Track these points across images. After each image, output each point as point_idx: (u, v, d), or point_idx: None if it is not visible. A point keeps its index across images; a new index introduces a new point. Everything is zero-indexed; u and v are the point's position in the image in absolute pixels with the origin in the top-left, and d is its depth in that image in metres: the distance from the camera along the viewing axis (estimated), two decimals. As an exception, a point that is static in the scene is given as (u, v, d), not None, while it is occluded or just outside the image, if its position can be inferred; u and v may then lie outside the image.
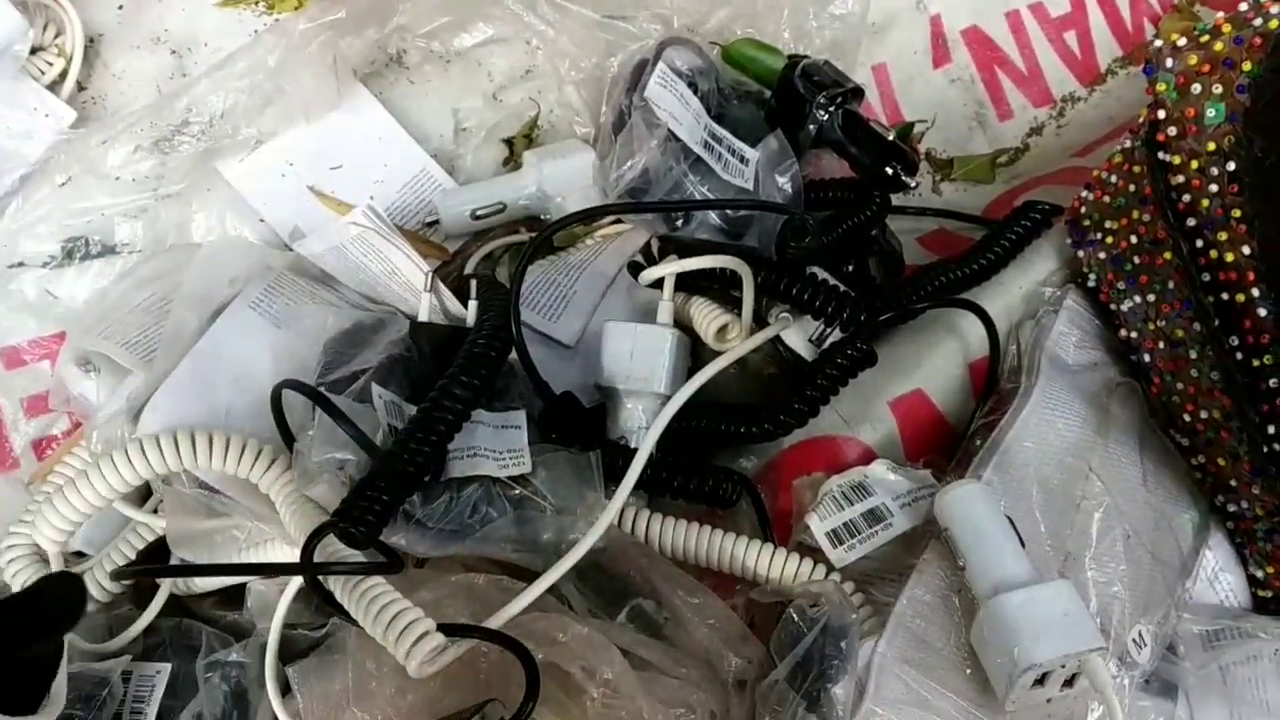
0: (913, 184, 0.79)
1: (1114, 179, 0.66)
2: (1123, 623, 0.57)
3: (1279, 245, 0.56)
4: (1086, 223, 0.69)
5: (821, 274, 0.69)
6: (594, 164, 0.77)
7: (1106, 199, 0.67)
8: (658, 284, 0.68)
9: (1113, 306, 0.68)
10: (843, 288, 0.67)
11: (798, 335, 0.68)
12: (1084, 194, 0.69)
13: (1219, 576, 0.65)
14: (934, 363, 0.70)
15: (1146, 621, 0.58)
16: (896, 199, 0.77)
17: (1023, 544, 0.56)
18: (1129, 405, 0.66)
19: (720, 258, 0.67)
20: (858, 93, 0.79)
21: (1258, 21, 0.57)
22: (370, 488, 0.52)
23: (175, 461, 0.57)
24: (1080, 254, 0.70)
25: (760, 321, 0.68)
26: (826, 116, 0.76)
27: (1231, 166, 0.57)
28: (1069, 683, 0.53)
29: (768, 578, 0.60)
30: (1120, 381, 0.67)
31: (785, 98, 0.79)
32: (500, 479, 0.58)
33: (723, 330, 0.68)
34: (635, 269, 0.70)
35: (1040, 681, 0.52)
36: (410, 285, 0.67)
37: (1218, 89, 0.57)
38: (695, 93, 0.77)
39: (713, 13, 0.84)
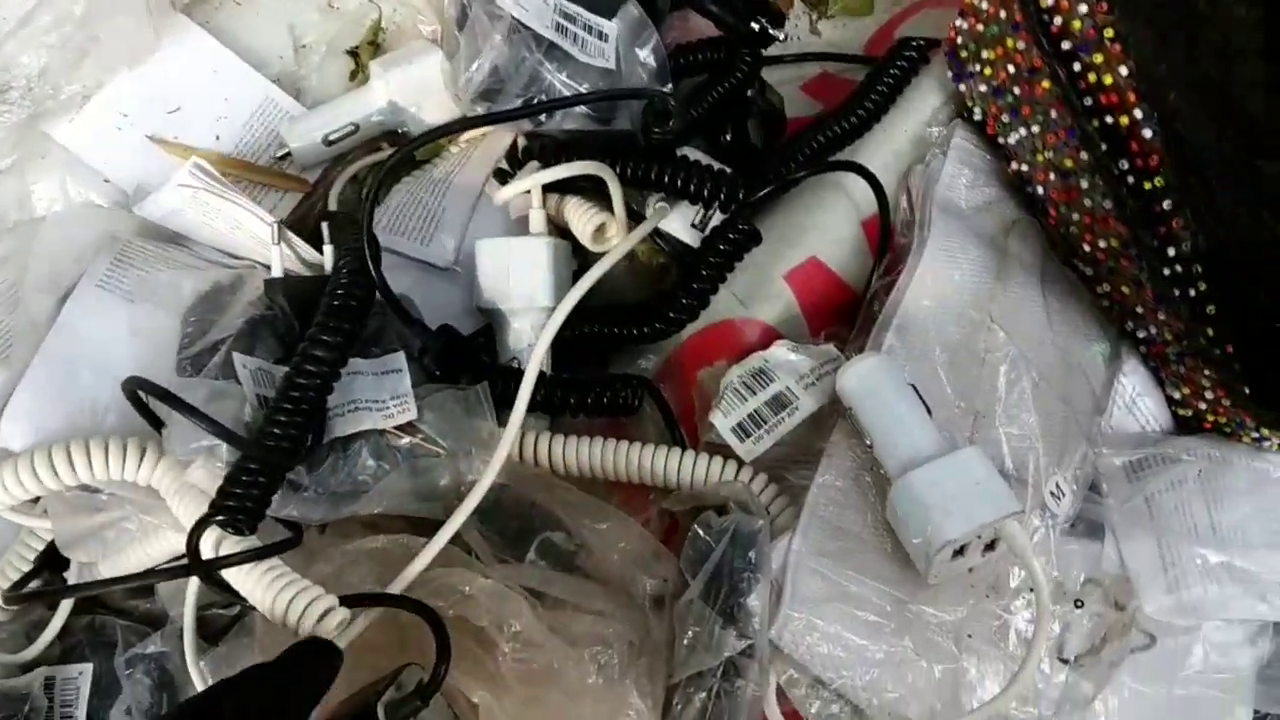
0: (781, 36, 0.75)
1: (985, 5, 0.62)
2: (1039, 475, 0.56)
3: (1156, 62, 0.53)
4: (964, 54, 0.65)
5: (693, 155, 0.65)
6: (445, 65, 0.72)
7: (980, 27, 0.63)
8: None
9: (1000, 140, 0.64)
10: (716, 166, 0.63)
11: (679, 222, 0.65)
12: (958, 22, 0.65)
13: (1137, 402, 0.63)
14: (825, 227, 0.67)
15: (1064, 470, 0.57)
16: (772, 49, 0.73)
17: (929, 412, 0.55)
18: (1028, 242, 0.64)
19: (580, 164, 0.63)
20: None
21: None
22: (244, 473, 0.50)
23: (48, 481, 0.54)
24: (962, 87, 0.66)
25: (637, 216, 0.65)
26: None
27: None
28: (990, 547, 0.52)
29: (679, 483, 0.58)
30: (1017, 218, 0.64)
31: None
32: (387, 430, 0.56)
33: (600, 230, 0.64)
34: (502, 177, 0.67)
35: (960, 552, 0.51)
36: (259, 239, 0.63)
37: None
38: (540, -30, 0.72)
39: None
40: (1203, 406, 0.61)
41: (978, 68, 0.64)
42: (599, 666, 0.49)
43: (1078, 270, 0.64)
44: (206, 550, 0.50)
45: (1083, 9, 0.54)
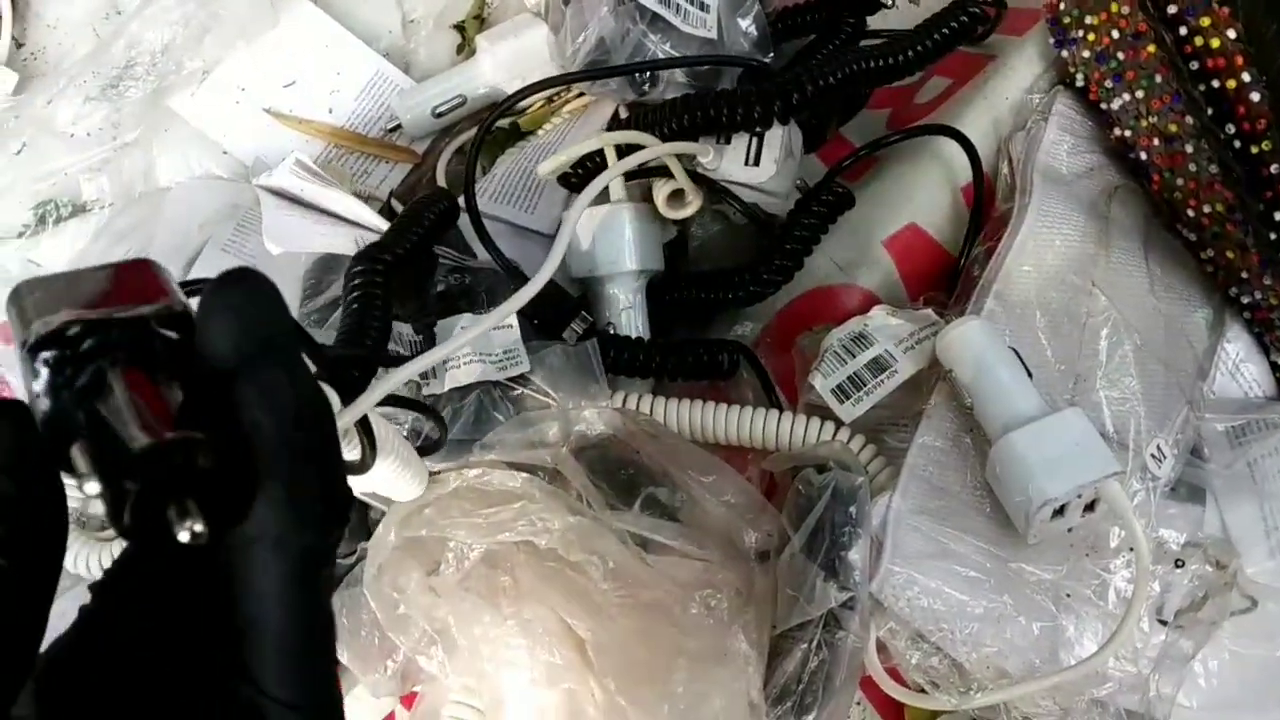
0: (890, 2, 0.75)
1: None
2: (1140, 438, 0.56)
3: (1264, 25, 0.53)
4: (1066, 20, 0.65)
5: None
6: (548, 38, 0.74)
7: (1088, -8, 0.63)
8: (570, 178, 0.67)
9: (1103, 106, 0.64)
10: (742, 89, 0.64)
11: (732, 164, 0.65)
12: (1062, -12, 0.65)
13: (1240, 368, 0.63)
14: (923, 193, 0.67)
15: (1165, 433, 0.57)
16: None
17: (1029, 375, 0.55)
18: (1130, 209, 0.64)
19: (612, 135, 0.64)
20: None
21: None
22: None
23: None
24: (1064, 54, 0.66)
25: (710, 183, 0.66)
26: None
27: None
28: (1090, 508, 0.52)
29: (778, 444, 0.60)
30: (1119, 184, 0.64)
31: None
32: (500, 382, 0.58)
33: (675, 196, 0.65)
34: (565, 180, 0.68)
35: (1060, 512, 0.52)
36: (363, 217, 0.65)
37: None
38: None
39: None
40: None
41: (1080, 33, 0.64)
42: (708, 609, 0.51)
43: (1181, 236, 0.63)
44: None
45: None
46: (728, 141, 0.65)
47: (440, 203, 0.64)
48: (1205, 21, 0.55)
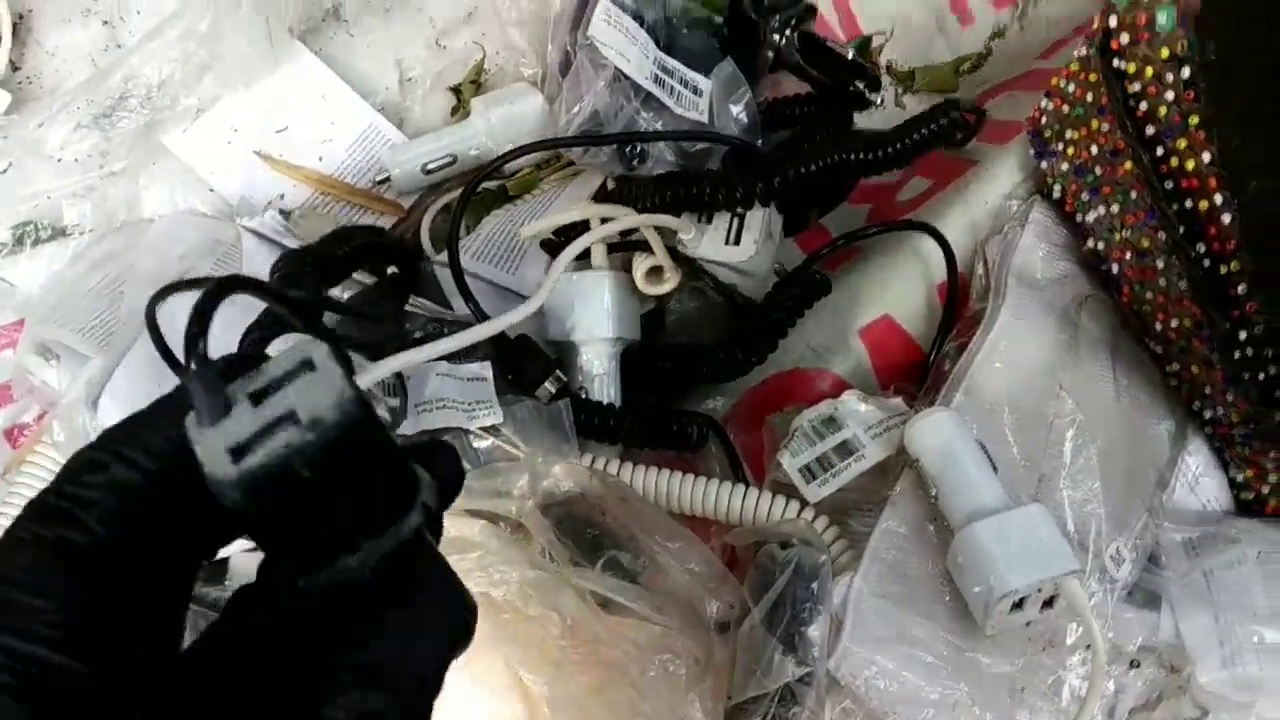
0: (878, 101, 0.78)
1: (1072, 87, 0.64)
2: (1100, 540, 0.56)
3: (1239, 150, 0.55)
4: (1047, 133, 0.67)
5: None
6: (543, 107, 0.75)
7: (1065, 108, 0.65)
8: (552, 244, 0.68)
9: (1079, 218, 0.66)
10: (721, 169, 0.66)
11: (713, 244, 0.66)
12: (1043, 103, 0.67)
13: (1199, 481, 0.64)
14: (900, 287, 0.69)
15: (1125, 537, 0.58)
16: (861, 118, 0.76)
17: (995, 468, 0.56)
18: (1100, 318, 0.65)
19: (595, 206, 0.65)
20: (811, 10, 0.78)
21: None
22: None
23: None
24: (1043, 165, 0.68)
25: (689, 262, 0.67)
26: (783, 40, 0.75)
27: (1186, 73, 0.55)
28: (1048, 604, 0.53)
29: (742, 519, 0.60)
30: (1090, 294, 0.66)
31: (737, 23, 0.78)
32: (471, 430, 0.58)
33: (653, 273, 0.66)
34: (550, 247, 0.69)
35: (1019, 605, 0.52)
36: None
37: (1167, -17, 0.55)
38: (642, 25, 0.75)
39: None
40: (1265, 490, 0.62)
41: (1060, 147, 0.66)
42: (666, 674, 0.50)
43: (1148, 349, 0.65)
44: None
45: (1169, 96, 0.56)
46: (709, 221, 0.66)
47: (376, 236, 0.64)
48: (1182, 144, 0.57)
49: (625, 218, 0.63)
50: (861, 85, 0.77)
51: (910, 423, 0.58)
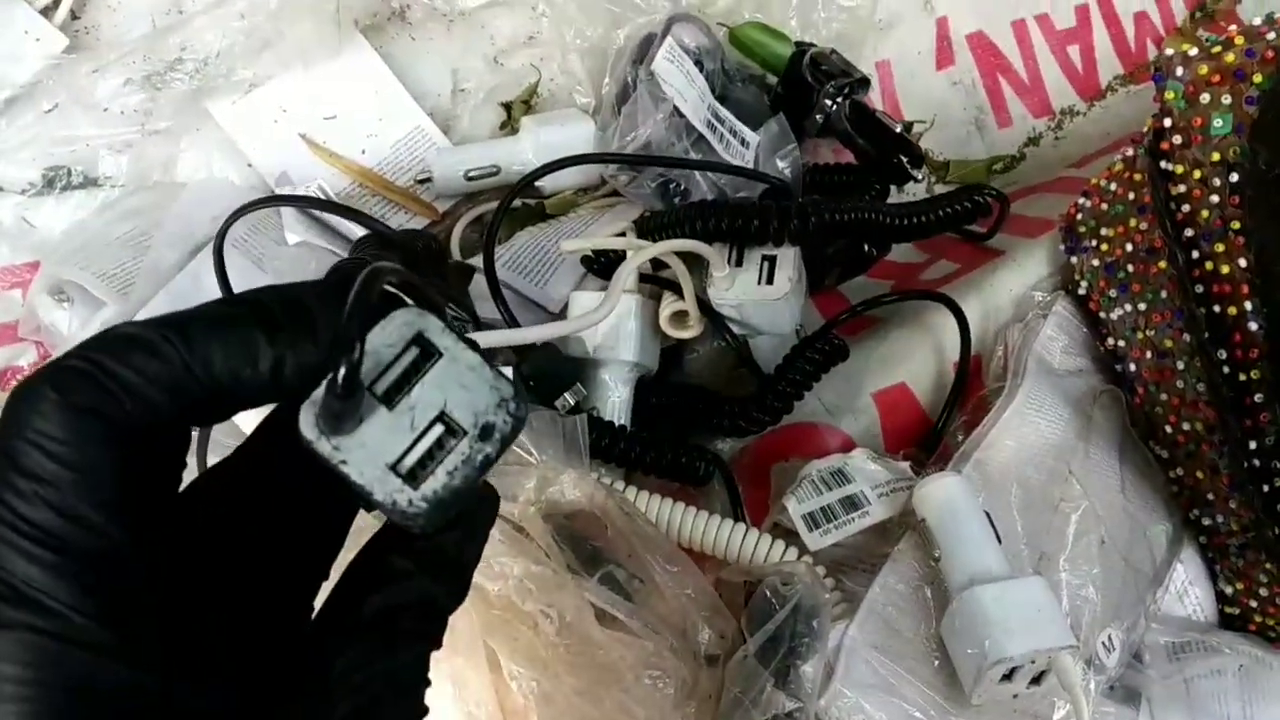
0: (918, 176, 0.79)
1: (1114, 186, 0.66)
2: (1093, 625, 0.57)
3: (1275, 260, 0.56)
4: (1082, 229, 0.69)
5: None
6: (594, 135, 0.76)
7: (1104, 206, 0.67)
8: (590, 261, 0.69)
9: (1102, 314, 0.67)
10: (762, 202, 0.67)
11: (745, 285, 0.66)
12: (1081, 201, 0.69)
13: (1188, 590, 0.65)
14: (918, 358, 0.70)
15: (1116, 626, 0.58)
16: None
17: (999, 539, 0.56)
18: (1111, 414, 0.66)
19: (623, 240, 0.66)
20: (864, 83, 0.80)
21: (1271, 35, 0.57)
22: None
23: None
24: (1073, 260, 0.69)
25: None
26: (835, 106, 0.76)
27: (1234, 178, 0.57)
28: (1036, 680, 0.52)
29: (739, 557, 0.59)
30: (1104, 389, 0.67)
31: (792, 85, 0.79)
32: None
33: (678, 316, 0.67)
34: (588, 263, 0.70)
35: (1009, 677, 0.52)
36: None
37: (1226, 99, 0.57)
38: (701, 71, 0.77)
39: (721, -7, 0.83)
40: (1253, 605, 0.62)
41: (1094, 243, 0.67)
42: (656, 688, 0.50)
43: (1154, 452, 0.66)
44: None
45: (1214, 199, 0.58)
46: (740, 264, 0.67)
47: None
48: (1219, 248, 0.58)
49: (671, 240, 0.63)
50: (905, 160, 0.79)
51: (921, 484, 0.58)
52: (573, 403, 0.62)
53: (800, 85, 0.78)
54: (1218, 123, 0.57)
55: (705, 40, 0.79)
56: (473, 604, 0.53)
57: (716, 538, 0.60)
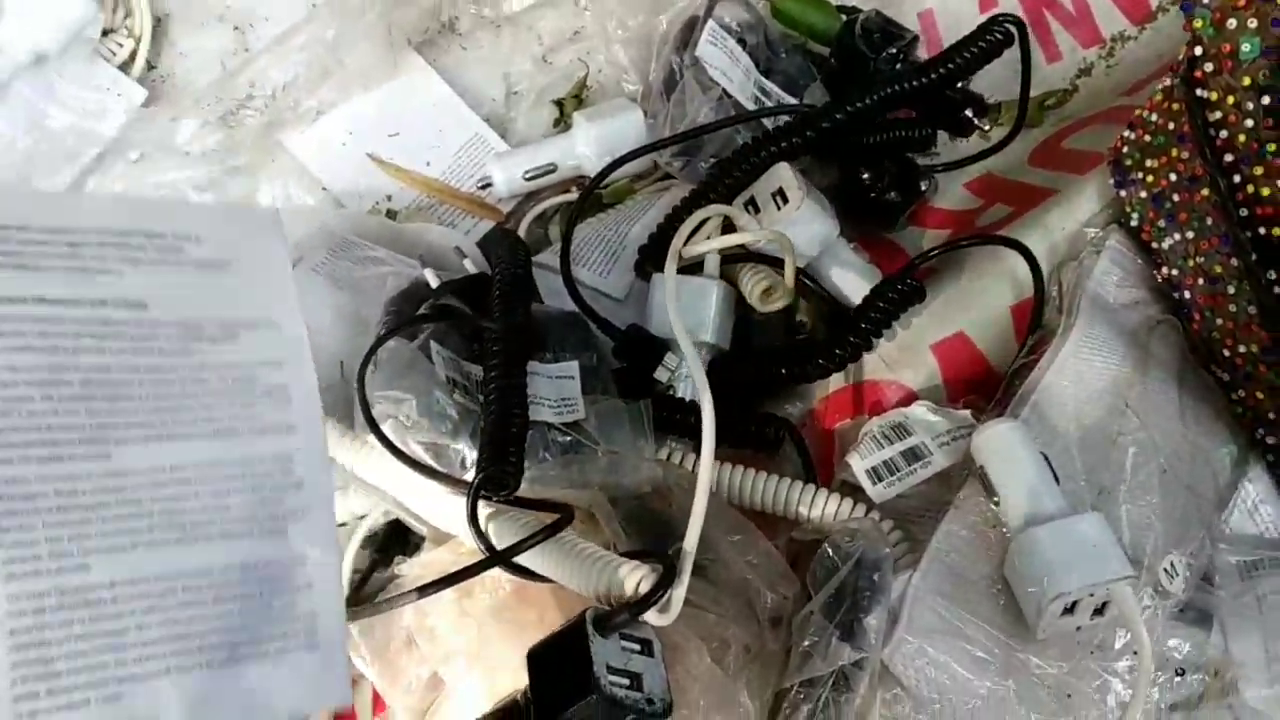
0: (986, 127, 0.80)
1: (1155, 117, 0.66)
2: (1155, 553, 0.58)
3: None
4: (1128, 162, 0.69)
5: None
6: (644, 123, 0.79)
7: (1148, 138, 0.67)
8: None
9: (1154, 245, 0.68)
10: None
11: (769, 219, 0.70)
12: (1126, 134, 0.69)
13: (1258, 508, 0.65)
14: (976, 305, 0.71)
15: (1180, 552, 0.59)
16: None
17: (1057, 479, 0.58)
18: (1169, 343, 0.67)
19: (749, 233, 0.69)
20: (915, 41, 0.81)
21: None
22: (510, 443, 0.55)
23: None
24: (1122, 194, 0.70)
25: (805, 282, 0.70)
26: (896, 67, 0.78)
27: (1266, 101, 0.57)
28: (1099, 611, 0.54)
29: (809, 517, 0.62)
30: (1161, 319, 0.67)
31: (845, 55, 0.81)
32: (555, 425, 0.61)
33: (768, 292, 0.69)
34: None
35: (1070, 610, 0.54)
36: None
37: (1253, 23, 0.57)
38: (744, 48, 0.79)
39: (762, -36, 0.85)
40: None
41: (1140, 175, 0.68)
42: (717, 660, 0.53)
43: (1214, 375, 0.66)
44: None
45: (1249, 123, 0.58)
46: (757, 210, 0.71)
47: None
48: (1258, 171, 0.58)
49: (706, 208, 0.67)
50: (970, 113, 0.80)
51: (979, 431, 0.60)
52: (671, 369, 0.66)
53: (854, 54, 0.80)
54: (1245, 47, 0.58)
55: (746, 16, 0.80)
56: (557, 599, 0.57)
57: (787, 499, 0.63)
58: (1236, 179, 0.60)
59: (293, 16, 0.82)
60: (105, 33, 0.82)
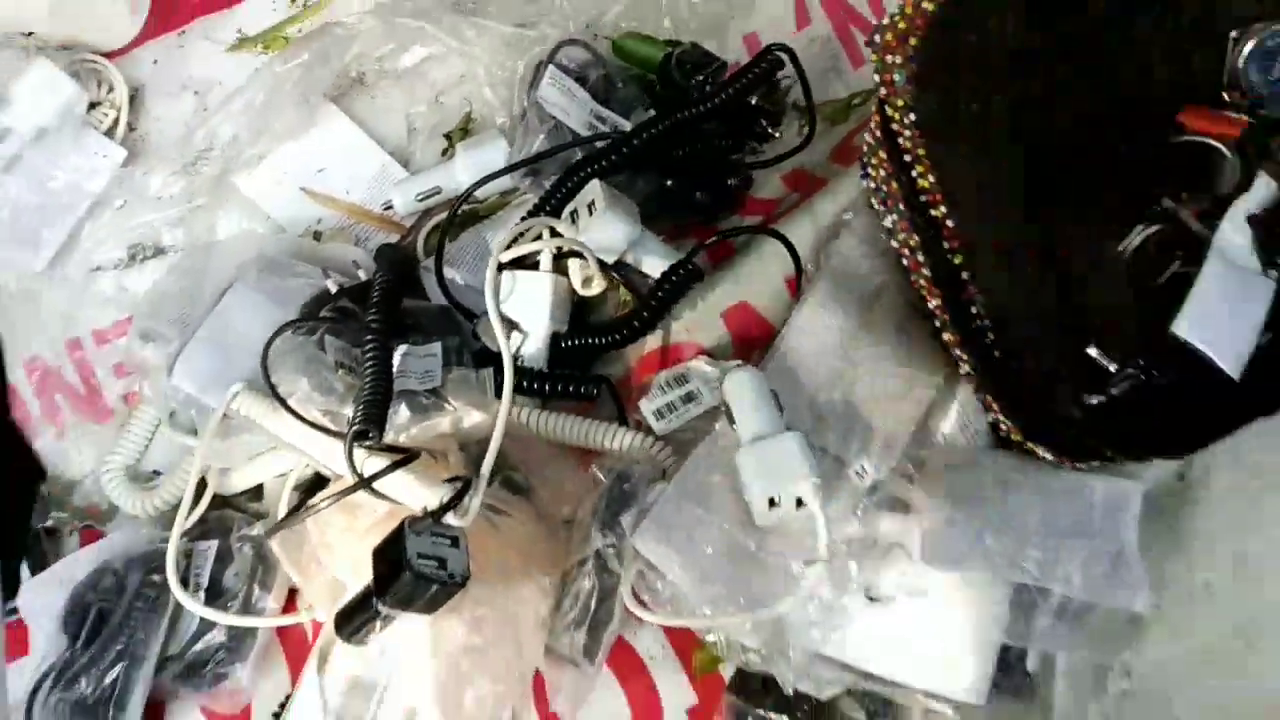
0: (777, 134, 1.00)
1: (872, 123, 0.85)
2: (852, 460, 0.78)
3: (952, 174, 0.76)
4: (865, 160, 0.88)
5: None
6: (506, 149, 0.99)
7: (870, 141, 0.86)
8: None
9: (882, 224, 0.87)
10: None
11: (584, 225, 0.89)
12: (865, 136, 0.88)
13: (967, 425, 0.84)
14: (757, 280, 0.90)
15: (880, 460, 0.78)
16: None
17: (781, 410, 0.78)
18: (893, 302, 0.86)
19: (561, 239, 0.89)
20: (722, 67, 1.00)
21: (925, 5, 0.75)
22: (375, 406, 0.77)
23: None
24: (865, 184, 0.89)
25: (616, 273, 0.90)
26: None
27: (913, 116, 0.76)
28: (800, 504, 0.74)
29: (611, 448, 0.83)
30: (886, 280, 0.87)
31: (667, 83, 1.00)
32: (418, 390, 0.82)
33: (586, 281, 0.90)
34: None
35: (776, 504, 0.74)
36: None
37: (900, 60, 0.76)
38: (585, 84, 0.99)
39: (606, 11, 1.05)
40: (1004, 429, 0.82)
41: (869, 170, 0.87)
42: (517, 548, 0.74)
43: (929, 323, 0.85)
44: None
45: (908, 133, 0.77)
46: (574, 219, 0.90)
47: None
48: (920, 169, 0.77)
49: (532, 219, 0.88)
50: (765, 123, 0.99)
51: (725, 377, 0.80)
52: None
53: (672, 82, 0.99)
54: (898, 77, 0.77)
55: (587, 56, 1.00)
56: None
57: (594, 435, 0.83)
58: (912, 174, 0.79)
59: (240, 80, 1.04)
60: (93, 105, 1.05)
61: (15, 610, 0.91)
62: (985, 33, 0.74)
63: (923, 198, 0.79)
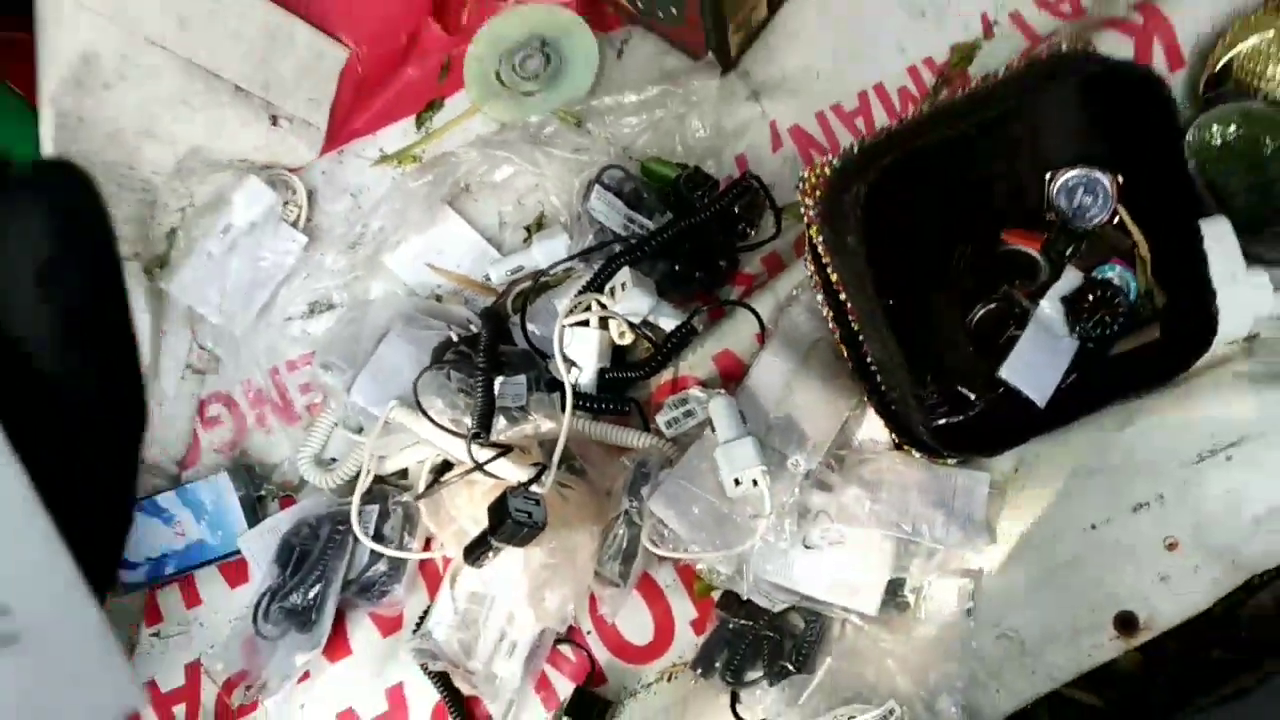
0: (753, 232, 1.45)
1: (804, 238, 1.30)
2: (788, 454, 1.22)
3: (847, 273, 1.20)
4: (805, 250, 1.32)
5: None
6: (568, 241, 1.45)
7: (805, 247, 1.30)
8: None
9: (818, 297, 1.32)
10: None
11: (620, 299, 1.34)
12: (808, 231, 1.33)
13: (872, 434, 1.28)
14: (736, 334, 1.35)
15: (810, 456, 1.23)
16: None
17: (745, 421, 1.23)
18: (825, 351, 1.30)
19: (602, 311, 1.35)
20: (715, 185, 1.45)
21: (825, 169, 1.19)
22: (484, 419, 1.23)
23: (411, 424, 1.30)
24: (808, 269, 1.33)
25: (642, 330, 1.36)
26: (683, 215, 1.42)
27: (821, 237, 1.20)
28: (755, 484, 1.19)
29: (636, 445, 1.28)
30: (821, 337, 1.31)
31: (676, 196, 1.45)
32: (511, 408, 1.28)
33: (622, 334, 1.35)
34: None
35: (738, 483, 1.19)
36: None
37: (810, 203, 1.20)
38: (621, 195, 1.44)
39: (637, 139, 1.50)
40: (897, 440, 1.26)
41: (807, 263, 1.31)
42: (576, 509, 1.20)
43: (846, 364, 1.30)
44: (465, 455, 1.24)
45: (820, 246, 1.21)
46: (613, 294, 1.35)
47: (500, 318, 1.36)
48: (830, 270, 1.22)
49: (588, 296, 1.33)
50: (743, 225, 1.45)
51: (710, 401, 1.25)
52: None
53: (680, 195, 1.44)
54: (812, 213, 1.21)
55: (622, 174, 1.46)
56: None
57: (627, 439, 1.29)
58: (827, 271, 1.24)
59: (383, 186, 1.51)
60: (284, 204, 1.52)
61: (237, 551, 1.39)
62: (854, 193, 1.19)
63: (835, 286, 1.23)
